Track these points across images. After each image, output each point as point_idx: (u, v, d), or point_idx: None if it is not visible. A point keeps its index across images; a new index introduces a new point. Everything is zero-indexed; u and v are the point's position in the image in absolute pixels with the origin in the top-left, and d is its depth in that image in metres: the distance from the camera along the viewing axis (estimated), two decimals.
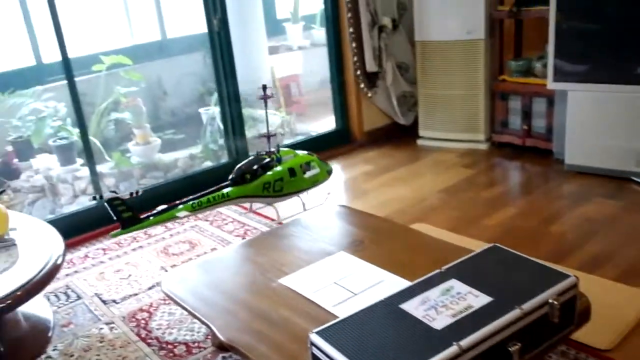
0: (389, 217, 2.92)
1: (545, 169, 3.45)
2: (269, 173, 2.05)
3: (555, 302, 1.44)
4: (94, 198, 2.03)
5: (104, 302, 2.46)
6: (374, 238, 2.11)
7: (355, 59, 3.96)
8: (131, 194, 1.96)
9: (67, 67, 3.13)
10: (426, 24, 3.82)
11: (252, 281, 1.90)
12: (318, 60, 4.78)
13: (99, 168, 3.62)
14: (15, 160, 3.92)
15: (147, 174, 3.90)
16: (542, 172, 3.44)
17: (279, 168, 2.09)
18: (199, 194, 2.00)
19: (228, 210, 3.25)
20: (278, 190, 2.04)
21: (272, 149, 2.23)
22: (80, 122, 3.26)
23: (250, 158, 2.08)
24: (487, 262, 1.64)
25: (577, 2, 3.13)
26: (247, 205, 2.19)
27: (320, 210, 2.44)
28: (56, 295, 2.54)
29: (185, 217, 2.00)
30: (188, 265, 2.20)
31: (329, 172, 2.16)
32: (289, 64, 5.27)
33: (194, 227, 3.10)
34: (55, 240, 2.06)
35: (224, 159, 3.91)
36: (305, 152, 2.33)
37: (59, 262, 1.95)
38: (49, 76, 4.01)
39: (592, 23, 3.11)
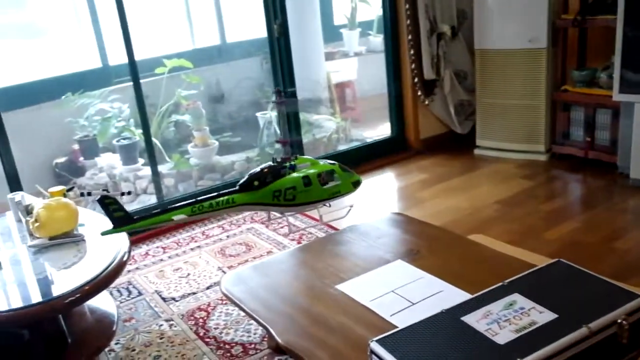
0: (445, 227, 2.89)
1: (609, 183, 3.34)
2: (281, 180, 1.93)
3: (625, 322, 1.40)
4: (81, 195, 1.99)
5: (163, 299, 2.53)
6: (431, 247, 2.10)
7: (413, 66, 3.94)
8: (122, 193, 1.94)
9: (133, 70, 3.24)
10: (486, 32, 3.77)
11: (310, 286, 1.92)
12: (374, 67, 4.78)
13: (159, 168, 3.73)
14: (81, 159, 4.10)
15: (205, 175, 3.99)
16: (605, 186, 3.33)
17: (292, 176, 1.95)
18: (201, 198, 1.94)
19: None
20: (290, 199, 1.91)
21: (288, 156, 2.07)
22: (144, 123, 3.37)
23: (264, 165, 2.01)
24: (552, 278, 1.60)
25: None
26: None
27: (376, 217, 2.44)
28: (119, 291, 2.64)
29: (181, 221, 1.91)
30: (246, 267, 2.24)
31: (355, 184, 2.02)
32: (345, 69, 5.29)
33: (250, 230, 3.15)
34: (120, 238, 2.13)
35: None
36: (328, 161, 2.12)
37: (124, 259, 2.01)
38: (115, 78, 4.17)
39: None
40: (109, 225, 1.95)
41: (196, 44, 4.90)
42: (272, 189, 1.90)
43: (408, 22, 3.85)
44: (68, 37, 4.31)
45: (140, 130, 3.67)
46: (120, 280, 2.71)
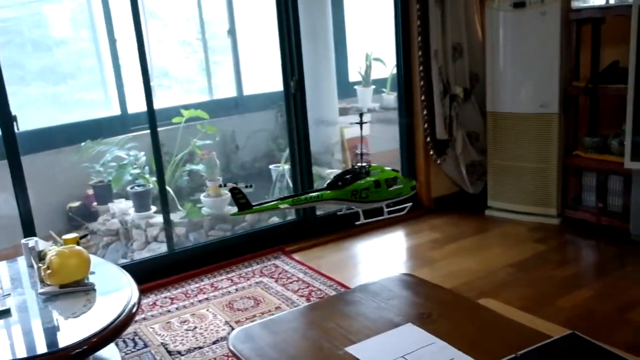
0: (456, 290, 2.86)
1: (622, 250, 3.31)
2: (359, 182, 2.41)
3: None
4: (220, 186, 2.62)
5: (169, 352, 2.50)
6: (442, 312, 2.07)
7: (426, 125, 4.00)
8: (246, 185, 2.37)
9: (152, 118, 3.31)
10: (498, 95, 3.83)
11: (319, 347, 1.89)
12: (387, 124, 4.85)
13: (171, 216, 3.75)
14: (95, 204, 4.13)
15: (216, 225, 4.00)
16: (619, 253, 3.30)
17: (366, 179, 2.45)
18: (298, 193, 2.38)
19: (293, 269, 3.29)
20: (364, 198, 2.41)
21: (364, 164, 2.60)
22: (159, 171, 3.41)
23: (344, 170, 2.42)
24: (565, 351, 1.58)
25: None
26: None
27: (387, 276, 2.43)
28: (124, 341, 2.61)
29: (285, 208, 2.41)
30: (254, 324, 2.22)
31: (413, 188, 2.55)
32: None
33: (259, 284, 3.14)
34: (131, 288, 2.13)
35: (291, 215, 3.97)
36: (391, 169, 2.69)
37: (134, 310, 2.01)
38: (133, 126, 4.26)
39: None
40: (121, 275, 2.04)
41: (214, 96, 5.01)
42: (351, 189, 2.38)
43: (422, 83, 3.92)
44: (90, 83, 4.43)
45: (155, 178, 3.71)
46: (127, 330, 2.68)
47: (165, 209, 3.49)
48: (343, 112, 5.36)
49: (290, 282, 3.12)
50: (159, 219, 3.81)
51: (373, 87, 5.55)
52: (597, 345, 1.60)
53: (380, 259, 3.50)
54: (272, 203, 2.41)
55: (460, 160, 4.10)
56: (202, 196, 4.20)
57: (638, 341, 2.39)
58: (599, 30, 3.61)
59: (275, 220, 4.06)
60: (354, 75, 5.71)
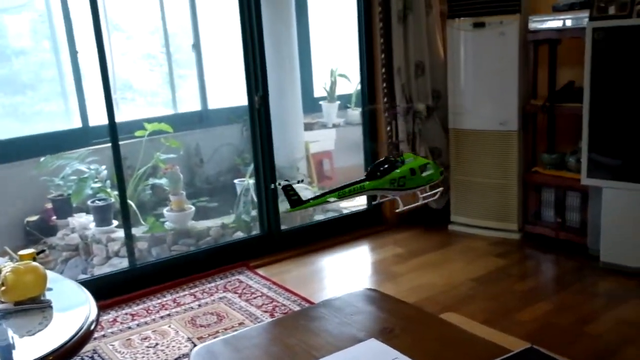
0: (419, 304, 2.88)
1: (580, 265, 3.40)
2: (396, 171, 2.40)
3: None
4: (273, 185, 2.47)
5: None
6: (406, 327, 2.08)
7: (390, 141, 4.04)
8: (298, 181, 2.38)
9: (113, 131, 3.25)
10: (460, 113, 3.91)
11: None
12: (352, 138, 4.89)
13: (133, 231, 3.69)
14: (54, 218, 4.03)
15: (179, 240, 3.95)
16: (577, 267, 3.38)
17: (402, 168, 2.43)
18: (342, 185, 2.40)
19: (257, 284, 3.26)
20: (402, 185, 2.43)
21: (398, 153, 2.70)
22: (120, 185, 3.36)
23: (380, 160, 2.46)
24: None
25: (611, 101, 3.18)
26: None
27: (351, 291, 2.43)
28: (82, 359, 2.55)
29: (334, 201, 2.33)
30: (217, 340, 2.19)
31: (442, 173, 2.54)
32: (323, 140, 5.40)
33: (222, 299, 3.10)
34: (89, 304, 2.08)
35: (256, 230, 3.95)
36: (422, 156, 2.84)
37: (92, 327, 1.96)
38: (94, 138, 4.18)
39: (627, 121, 3.14)
40: (79, 292, 2.01)
41: (178, 109, 4.97)
42: (390, 178, 2.38)
43: (385, 99, 3.97)
44: (51, 95, 4.35)
45: (116, 192, 3.65)
46: (85, 348, 2.61)
47: (126, 223, 3.43)
48: (308, 127, 5.39)
49: (254, 298, 3.09)
50: (121, 233, 3.74)
51: (338, 102, 5.60)
52: (554, 359, 1.63)
53: (345, 273, 3.51)
54: (322, 198, 2.46)
55: None
56: (165, 210, 4.15)
57: (596, 354, 2.45)
58: (555, 50, 3.73)
59: (239, 235, 4.03)
60: (319, 91, 5.75)
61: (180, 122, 4.68)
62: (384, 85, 3.96)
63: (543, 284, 3.25)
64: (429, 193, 2.74)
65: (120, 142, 3.33)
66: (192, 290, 3.22)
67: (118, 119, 3.29)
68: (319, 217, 4.39)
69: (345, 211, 4.53)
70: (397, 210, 2.82)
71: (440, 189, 2.84)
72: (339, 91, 5.64)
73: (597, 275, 3.23)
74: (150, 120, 4.32)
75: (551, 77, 3.76)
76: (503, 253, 3.63)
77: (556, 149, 3.83)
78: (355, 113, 5.44)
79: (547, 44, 3.70)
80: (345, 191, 2.50)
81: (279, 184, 2.56)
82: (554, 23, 3.46)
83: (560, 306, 2.91)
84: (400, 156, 2.65)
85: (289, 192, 2.43)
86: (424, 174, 2.66)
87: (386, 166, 2.59)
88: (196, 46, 4.88)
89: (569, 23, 3.41)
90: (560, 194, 3.62)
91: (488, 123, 3.80)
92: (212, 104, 5.05)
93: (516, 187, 3.79)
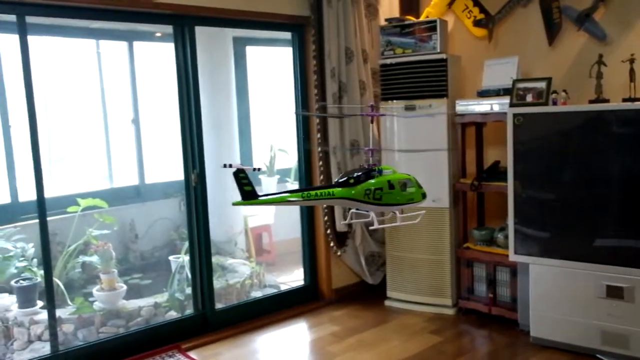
0: None
1: (512, 341, 3.45)
2: (371, 181, 2.25)
3: None
4: (224, 166, 2.21)
5: None
6: None
7: (326, 218, 4.09)
8: (254, 169, 2.14)
9: (41, 207, 3.16)
10: None
11: None
12: (290, 213, 4.91)
13: (59, 312, 3.51)
14: None
15: (109, 321, 3.77)
16: (509, 343, 3.43)
17: (379, 178, 2.29)
18: (309, 187, 2.20)
19: None
20: (377, 199, 2.25)
21: (375, 163, 2.43)
22: (46, 263, 3.23)
23: (355, 168, 2.41)
24: None
25: (532, 181, 3.35)
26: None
27: None
28: None
29: (295, 202, 2.23)
30: None
31: (424, 196, 2.40)
32: (262, 214, 5.40)
33: None
34: None
35: (189, 309, 3.84)
36: (404, 173, 2.53)
37: None
38: (23, 214, 4.03)
39: (548, 199, 3.31)
40: None
41: (114, 183, 4.88)
42: (365, 187, 2.22)
43: (321, 177, 4.04)
44: None
45: (42, 271, 3.48)
46: None
47: (51, 304, 3.26)
48: None
49: None
50: (45, 315, 3.55)
51: (277, 176, 5.65)
52: None
53: (281, 355, 3.43)
54: (281, 195, 2.24)
55: (359, 251, 4.19)
56: (95, 289, 3.98)
57: None
58: (481, 132, 3.95)
59: (172, 314, 3.90)
60: (258, 165, 5.80)
61: (116, 195, 4.60)
62: (320, 163, 4.04)
63: None
64: (409, 215, 2.51)
65: (52, 218, 3.23)
66: None
67: (51, 193, 3.20)
68: (256, 293, 4.32)
69: (282, 286, 4.48)
70: (371, 228, 2.61)
71: (423, 212, 2.65)
72: (279, 165, 5.71)
73: (529, 351, 3.29)
74: (84, 195, 4.22)
75: (479, 156, 3.96)
76: (438, 330, 3.65)
77: (486, 225, 3.97)
78: (294, 187, 5.49)
79: (474, 126, 3.91)
80: (312, 194, 2.26)
81: (230, 165, 2.32)
82: (478, 107, 3.68)
83: None
84: (377, 166, 2.42)
85: (242, 180, 2.11)
86: (405, 192, 2.41)
87: (361, 174, 2.33)
88: (135, 121, 4.87)
89: (492, 108, 3.63)
90: (491, 270, 3.72)
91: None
92: (150, 179, 5.00)
93: (449, 263, 3.88)
